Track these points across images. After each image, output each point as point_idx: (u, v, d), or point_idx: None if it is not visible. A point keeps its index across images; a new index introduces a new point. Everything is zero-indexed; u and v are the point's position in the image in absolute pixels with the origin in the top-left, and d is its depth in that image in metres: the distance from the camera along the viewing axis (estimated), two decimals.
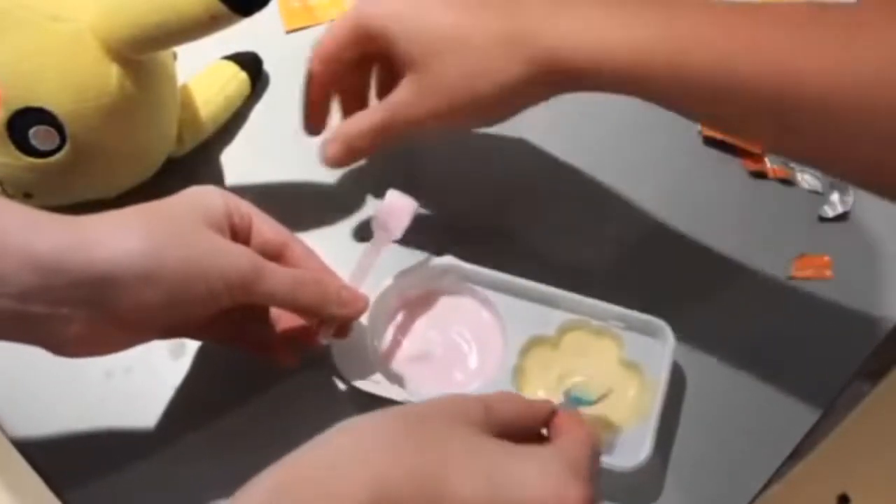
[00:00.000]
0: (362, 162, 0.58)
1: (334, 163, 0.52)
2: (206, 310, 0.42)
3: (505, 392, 0.41)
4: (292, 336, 0.49)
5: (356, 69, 0.52)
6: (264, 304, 0.47)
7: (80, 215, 0.41)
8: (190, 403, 0.51)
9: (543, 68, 0.45)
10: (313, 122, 0.54)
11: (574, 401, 0.43)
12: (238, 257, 0.42)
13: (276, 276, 0.43)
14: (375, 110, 0.50)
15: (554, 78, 0.46)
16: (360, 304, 0.47)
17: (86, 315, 0.39)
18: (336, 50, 0.51)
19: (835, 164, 0.43)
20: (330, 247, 0.50)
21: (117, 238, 0.39)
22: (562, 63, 0.45)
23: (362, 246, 0.50)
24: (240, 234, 0.45)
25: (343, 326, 0.48)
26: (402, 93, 0.48)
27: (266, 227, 0.46)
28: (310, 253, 0.47)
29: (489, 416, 0.37)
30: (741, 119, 0.44)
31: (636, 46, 0.43)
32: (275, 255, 0.45)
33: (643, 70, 0.43)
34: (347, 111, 0.54)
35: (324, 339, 0.47)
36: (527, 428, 0.39)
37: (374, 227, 0.49)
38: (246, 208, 0.45)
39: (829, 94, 0.39)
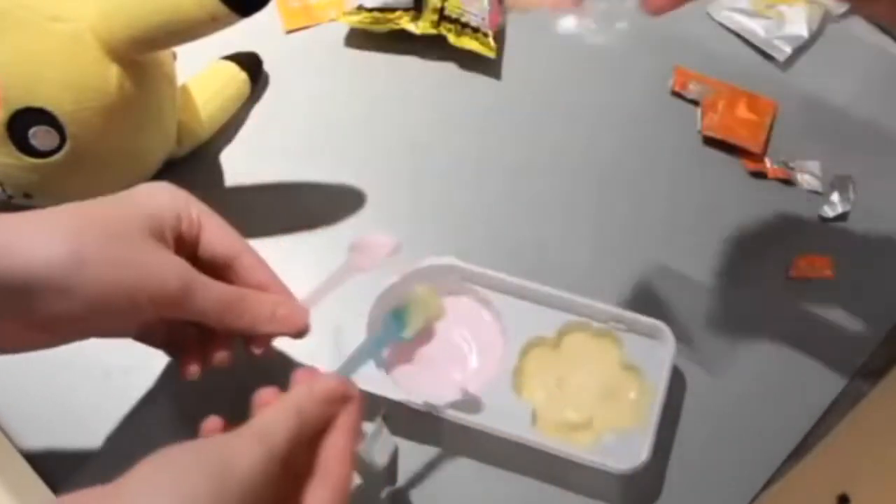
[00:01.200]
0: (364, 161, 0.58)
1: None
2: (131, 322, 0.40)
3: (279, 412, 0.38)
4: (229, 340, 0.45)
5: None
6: (195, 320, 0.43)
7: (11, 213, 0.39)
8: (191, 404, 0.51)
9: None
10: None
11: (394, 324, 0.45)
12: (167, 273, 0.40)
13: (206, 295, 0.41)
14: None
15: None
16: (298, 322, 0.44)
17: (5, 319, 0.38)
18: None
19: None
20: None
21: (39, 244, 0.37)
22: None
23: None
24: (186, 241, 0.43)
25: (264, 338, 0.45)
26: None
27: (216, 236, 0.43)
28: (260, 264, 0.45)
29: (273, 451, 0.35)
30: None
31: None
32: (222, 265, 0.44)
33: None
34: None
35: (256, 350, 0.45)
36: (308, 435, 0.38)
37: (350, 252, 0.48)
38: (197, 213, 0.43)
39: None
